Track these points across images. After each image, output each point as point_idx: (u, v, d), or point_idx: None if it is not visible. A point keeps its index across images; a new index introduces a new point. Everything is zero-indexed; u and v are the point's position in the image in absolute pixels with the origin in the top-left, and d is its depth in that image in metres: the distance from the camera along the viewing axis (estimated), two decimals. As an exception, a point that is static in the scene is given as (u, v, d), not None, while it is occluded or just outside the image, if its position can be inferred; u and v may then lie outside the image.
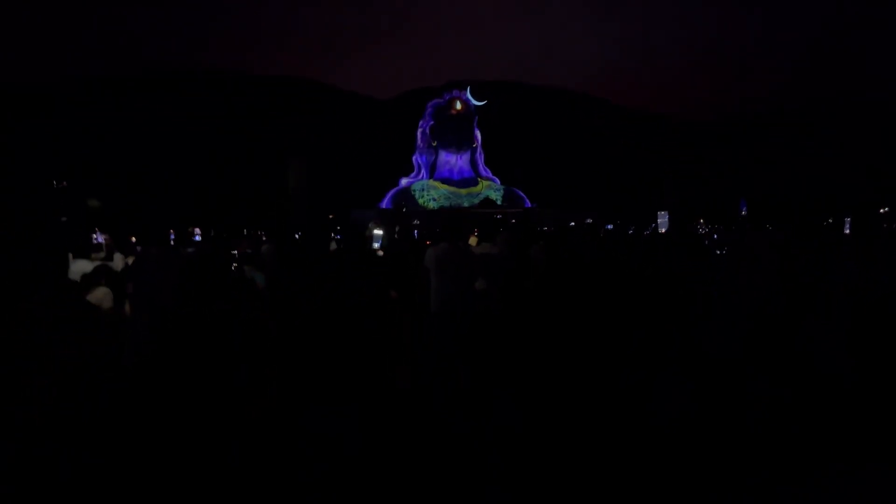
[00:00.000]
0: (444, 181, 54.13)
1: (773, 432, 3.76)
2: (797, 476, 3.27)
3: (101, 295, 5.43)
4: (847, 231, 12.55)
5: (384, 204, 51.85)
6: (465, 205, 50.68)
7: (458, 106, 55.52)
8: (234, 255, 6.31)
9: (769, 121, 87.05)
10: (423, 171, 55.55)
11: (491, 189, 53.45)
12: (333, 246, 8.01)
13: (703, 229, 27.23)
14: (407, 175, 55.89)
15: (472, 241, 8.30)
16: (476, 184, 54.21)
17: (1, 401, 2.42)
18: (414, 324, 5.38)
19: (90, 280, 5.47)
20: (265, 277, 5.84)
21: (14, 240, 2.80)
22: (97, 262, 5.82)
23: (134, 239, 10.59)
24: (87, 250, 5.96)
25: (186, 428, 3.47)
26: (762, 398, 3.91)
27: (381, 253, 6.28)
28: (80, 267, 5.98)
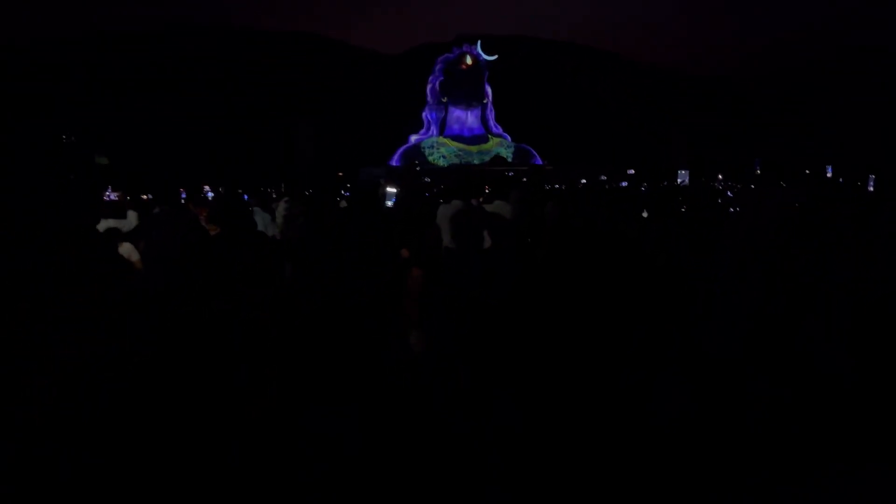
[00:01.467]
0: (455, 138, 53.71)
1: (773, 432, 3.82)
2: (797, 476, 3.32)
3: (127, 249, 5.45)
4: (871, 188, 12.41)
5: (394, 161, 51.60)
6: (476, 162, 50.35)
7: (469, 61, 54.74)
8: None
9: (786, 75, 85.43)
10: (432, 127, 55.11)
11: (502, 146, 53.03)
12: (343, 204, 8.00)
13: (720, 185, 27.00)
14: (416, 132, 55.50)
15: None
16: (486, 140, 53.79)
17: (1, 400, 2.48)
18: (425, 283, 5.39)
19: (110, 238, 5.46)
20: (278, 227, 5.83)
21: (16, 236, 2.81)
22: (110, 222, 5.83)
23: (146, 197, 10.64)
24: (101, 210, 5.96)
25: (187, 426, 3.55)
26: (762, 397, 3.95)
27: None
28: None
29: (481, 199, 8.36)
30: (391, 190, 6.60)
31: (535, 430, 3.64)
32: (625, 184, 18.43)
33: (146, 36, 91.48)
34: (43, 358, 2.54)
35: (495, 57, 55.88)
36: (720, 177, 35.16)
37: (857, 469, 3.18)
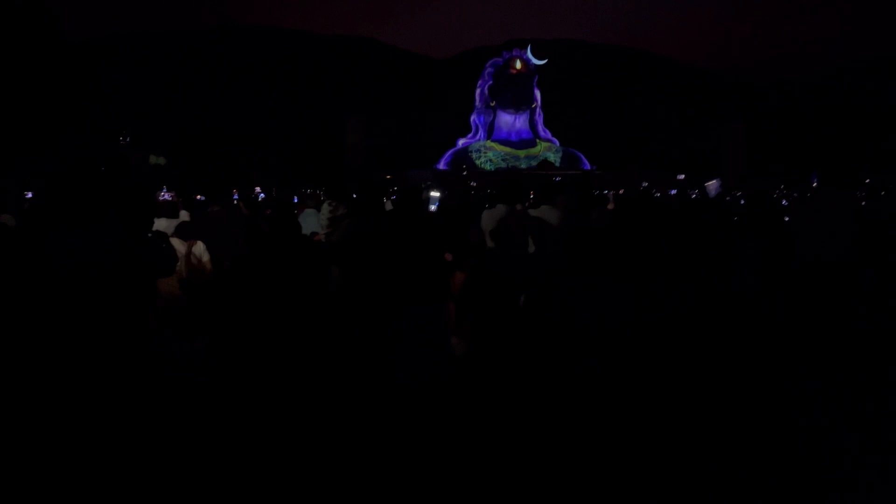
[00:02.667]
0: (502, 142, 53.56)
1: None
2: (797, 475, 3.30)
3: (200, 249, 5.55)
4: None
5: (441, 165, 51.76)
6: (523, 166, 50.11)
7: (518, 65, 54.51)
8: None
9: (843, 78, 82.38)
10: (480, 131, 55.07)
11: (550, 150, 52.64)
12: (389, 206, 8.07)
13: (777, 193, 26.32)
14: (464, 136, 55.56)
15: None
16: (534, 145, 53.46)
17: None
18: (469, 287, 5.40)
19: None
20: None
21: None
22: (163, 221, 6.02)
23: (200, 197, 10.92)
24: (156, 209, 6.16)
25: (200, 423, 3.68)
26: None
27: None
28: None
29: (527, 204, 8.34)
30: (434, 194, 6.65)
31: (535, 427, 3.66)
32: (674, 191, 18.06)
33: (203, 36, 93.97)
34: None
35: (545, 61, 55.54)
36: (782, 186, 34.16)
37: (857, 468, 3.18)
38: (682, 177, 41.28)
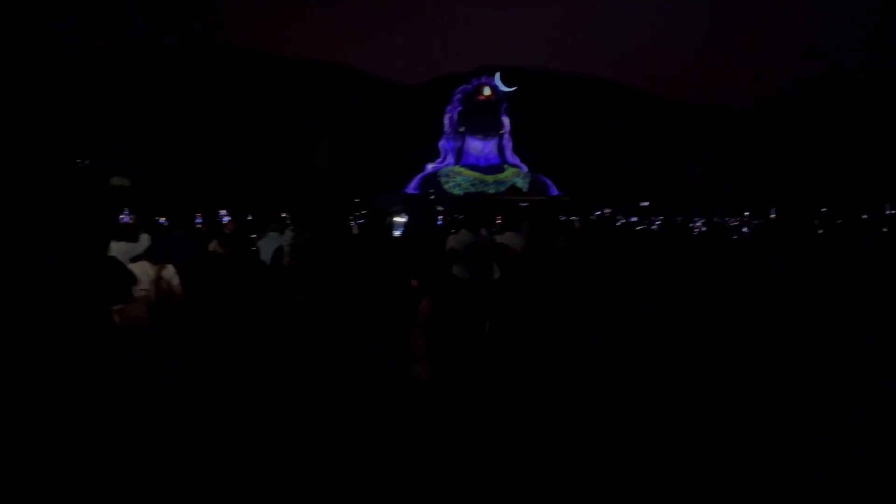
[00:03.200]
0: (471, 167, 53.99)
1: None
2: (794, 475, 3.34)
3: (170, 273, 5.46)
4: (885, 230, 12.31)
5: (410, 189, 51.91)
6: (491, 191, 50.49)
7: (487, 92, 55.23)
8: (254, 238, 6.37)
9: (807, 110, 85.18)
10: (449, 156, 55.49)
11: (517, 176, 53.19)
12: (355, 230, 8.04)
13: (739, 221, 27.04)
14: (433, 161, 55.90)
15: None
16: (503, 170, 53.97)
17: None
18: (434, 313, 5.38)
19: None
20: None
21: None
22: (122, 245, 5.90)
23: (162, 220, 10.71)
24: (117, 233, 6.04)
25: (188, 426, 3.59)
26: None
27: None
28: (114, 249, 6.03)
29: (494, 230, 8.38)
30: (398, 220, 6.64)
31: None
32: (634, 218, 18.39)
33: (172, 57, 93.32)
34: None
35: (514, 88, 56.38)
36: (746, 213, 35.01)
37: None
38: (646, 204, 42.05)
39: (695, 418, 3.85)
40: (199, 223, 8.00)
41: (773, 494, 3.22)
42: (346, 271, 4.21)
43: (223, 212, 19.64)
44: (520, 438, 3.67)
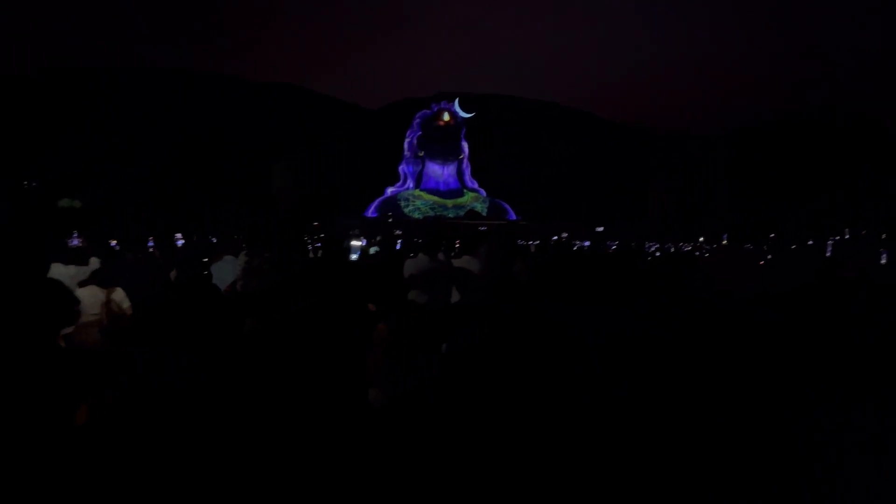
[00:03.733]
0: (430, 191, 54.24)
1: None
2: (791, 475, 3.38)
3: (120, 296, 5.35)
4: (828, 254, 12.78)
5: (369, 212, 51.81)
6: (451, 215, 50.75)
7: (446, 117, 55.77)
8: (206, 261, 6.27)
9: (761, 134, 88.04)
10: (409, 180, 55.67)
11: (477, 201, 53.60)
12: (312, 254, 7.98)
13: (692, 246, 27.77)
14: (393, 184, 55.99)
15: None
16: (462, 195, 54.36)
17: None
18: (390, 338, 5.35)
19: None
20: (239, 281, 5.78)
21: None
22: (70, 269, 5.74)
23: (114, 242, 10.45)
24: (64, 255, 5.88)
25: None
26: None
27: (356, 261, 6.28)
28: (56, 273, 5.88)
29: (452, 254, 8.41)
30: (356, 244, 6.62)
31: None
32: (587, 243, 18.73)
33: (125, 78, 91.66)
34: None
35: (473, 114, 57.02)
36: (701, 239, 35.92)
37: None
38: (601, 228, 42.80)
39: (695, 418, 3.90)
40: (151, 246, 7.84)
41: (773, 494, 3.24)
42: (298, 297, 4.17)
43: (178, 235, 19.27)
44: (519, 440, 3.67)
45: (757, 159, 79.51)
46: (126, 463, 3.37)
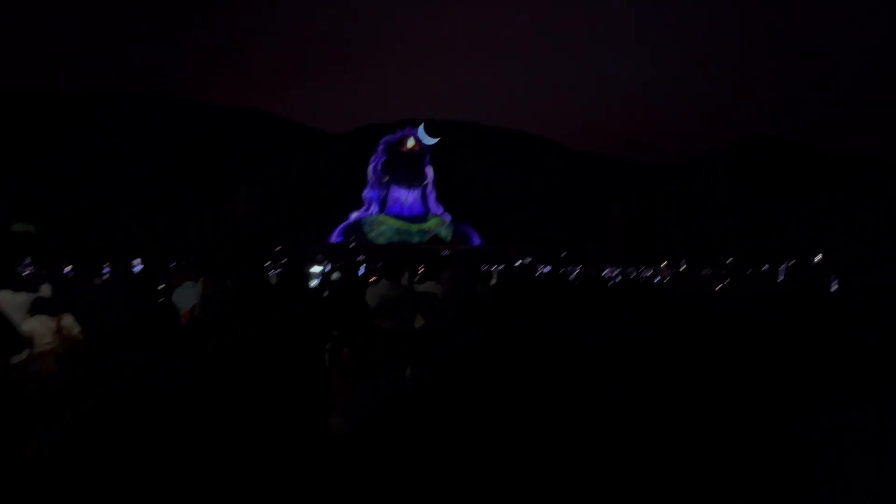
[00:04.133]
0: (395, 216, 54.26)
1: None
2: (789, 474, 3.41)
3: (70, 322, 5.24)
4: (781, 279, 13.12)
5: (333, 238, 51.52)
6: (415, 240, 50.76)
7: (411, 143, 56.07)
8: (162, 288, 6.14)
9: (717, 162, 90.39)
10: (373, 205, 55.63)
11: (441, 226, 53.76)
12: (274, 280, 7.87)
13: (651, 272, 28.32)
14: (357, 209, 55.87)
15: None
16: (426, 220, 54.47)
17: None
18: (353, 365, 5.31)
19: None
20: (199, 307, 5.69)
21: None
22: (21, 295, 5.56)
23: (69, 268, 10.17)
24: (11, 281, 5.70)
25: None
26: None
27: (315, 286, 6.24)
28: (5, 300, 5.68)
29: (416, 279, 8.40)
30: (315, 269, 6.56)
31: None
32: (548, 268, 18.98)
33: (83, 101, 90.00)
34: None
35: (437, 140, 57.43)
36: (662, 264, 36.65)
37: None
38: (564, 254, 43.31)
39: (695, 418, 3.92)
40: (106, 272, 7.65)
41: (774, 494, 3.25)
42: (255, 324, 4.11)
43: (137, 260, 18.88)
44: (520, 440, 3.67)
45: (713, 186, 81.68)
46: (118, 465, 3.29)
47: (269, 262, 18.31)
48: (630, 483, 3.37)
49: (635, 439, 3.55)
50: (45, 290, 5.80)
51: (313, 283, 6.57)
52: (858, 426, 3.75)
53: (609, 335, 3.97)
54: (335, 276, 7.41)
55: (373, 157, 56.32)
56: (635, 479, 3.38)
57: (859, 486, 3.22)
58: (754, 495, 3.30)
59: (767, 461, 3.60)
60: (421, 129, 57.08)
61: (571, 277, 17.99)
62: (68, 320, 5.20)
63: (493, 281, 8.44)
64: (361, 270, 13.51)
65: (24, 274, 7.10)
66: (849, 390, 4.34)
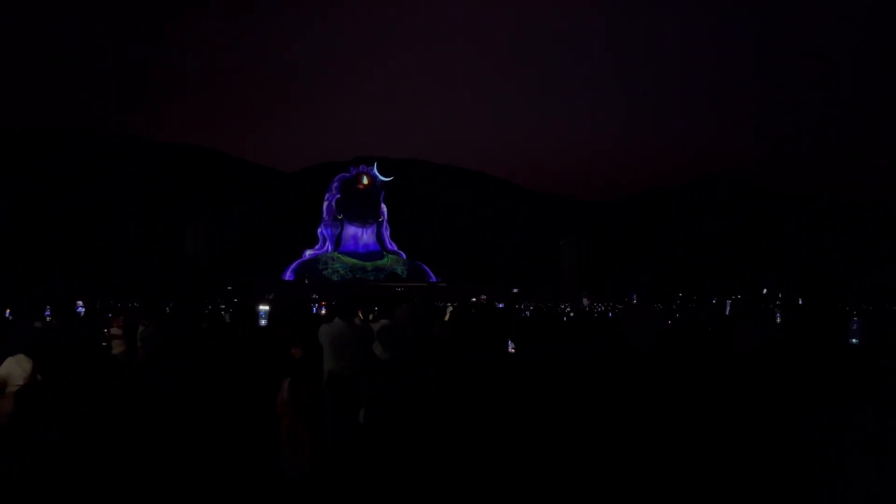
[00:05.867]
0: (350, 254, 53.94)
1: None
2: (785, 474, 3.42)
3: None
4: (727, 312, 13.47)
5: (287, 275, 50.83)
6: (371, 278, 50.47)
7: (365, 181, 56.15)
8: (107, 333, 5.96)
9: (666, 203, 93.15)
10: (328, 243, 55.23)
11: (397, 263, 53.68)
12: (227, 319, 7.70)
13: (593, 306, 28.80)
14: (312, 247, 55.39)
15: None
16: (382, 257, 54.32)
17: None
18: (305, 404, 5.20)
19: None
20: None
21: None
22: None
23: (7, 312, 9.78)
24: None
25: None
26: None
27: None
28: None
29: (371, 317, 8.33)
30: (263, 308, 6.43)
31: None
32: (501, 305, 19.14)
33: (35, 140, 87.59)
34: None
35: (391, 178, 57.69)
36: (586, 301, 37.46)
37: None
38: (517, 290, 43.67)
39: (695, 418, 3.92)
40: (48, 315, 7.39)
41: (774, 494, 3.24)
42: (187, 362, 4.02)
43: (80, 302, 18.25)
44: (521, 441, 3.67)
45: (659, 223, 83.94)
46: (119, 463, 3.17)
47: (219, 301, 17.94)
48: (630, 483, 3.38)
49: (634, 439, 3.58)
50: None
51: (262, 322, 6.44)
52: (858, 426, 3.82)
53: (584, 354, 4.11)
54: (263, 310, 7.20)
55: (327, 195, 56.13)
56: (635, 477, 3.39)
57: (859, 486, 3.26)
58: (754, 495, 3.32)
59: (768, 461, 3.63)
60: (375, 166, 57.31)
61: (526, 313, 18.15)
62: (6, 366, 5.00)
63: (447, 317, 8.44)
64: (314, 309, 13.33)
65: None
66: (849, 391, 4.43)
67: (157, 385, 3.63)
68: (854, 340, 6.96)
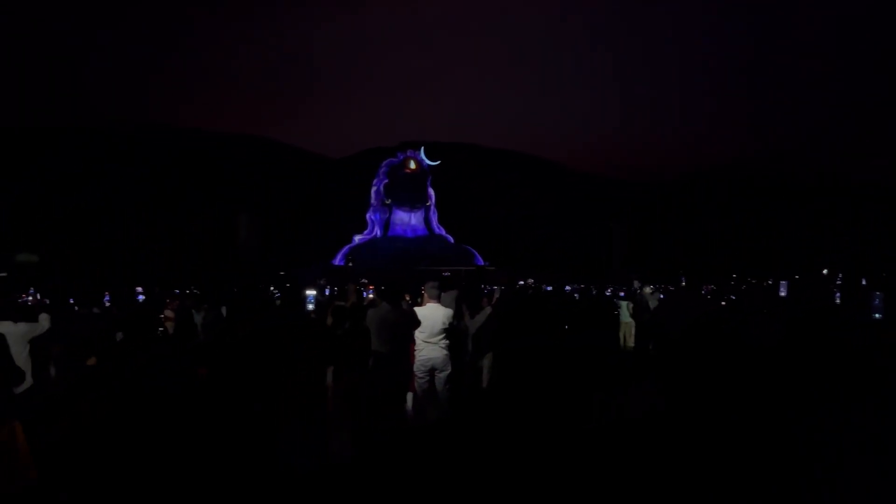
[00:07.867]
0: (397, 238, 54.24)
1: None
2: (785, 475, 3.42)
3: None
4: (783, 293, 12.98)
5: (337, 261, 51.49)
6: (418, 263, 50.67)
7: (412, 165, 56.23)
8: (162, 317, 6.13)
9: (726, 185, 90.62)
10: (376, 228, 55.65)
11: (444, 247, 53.73)
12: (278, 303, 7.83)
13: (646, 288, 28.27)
14: (360, 233, 55.90)
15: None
16: (430, 241, 54.45)
17: None
18: (353, 389, 5.25)
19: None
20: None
21: None
22: (21, 326, 5.55)
23: (72, 300, 10.15)
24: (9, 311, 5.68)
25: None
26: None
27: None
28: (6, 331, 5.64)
29: (419, 301, 8.35)
30: (310, 293, 6.50)
31: None
32: (550, 287, 18.93)
33: (89, 133, 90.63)
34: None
35: (438, 162, 57.65)
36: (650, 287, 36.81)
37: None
38: (565, 274, 43.30)
39: (695, 419, 3.93)
40: (107, 301, 7.64)
41: (774, 494, 3.25)
42: (248, 349, 4.08)
43: (140, 288, 18.84)
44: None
45: (711, 204, 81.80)
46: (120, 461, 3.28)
47: (272, 288, 18.27)
48: (630, 482, 3.39)
49: (636, 439, 3.59)
50: (44, 318, 5.78)
51: (310, 306, 6.51)
52: (858, 426, 3.76)
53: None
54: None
55: (375, 180, 56.45)
56: (636, 477, 3.40)
57: (859, 486, 3.23)
58: (755, 495, 3.31)
59: (768, 461, 3.60)
60: (422, 151, 57.33)
61: (576, 295, 17.95)
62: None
63: (495, 301, 8.38)
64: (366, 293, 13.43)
65: (25, 304, 7.09)
66: (849, 391, 4.35)
67: (157, 385, 3.70)
68: (877, 315, 6.63)
